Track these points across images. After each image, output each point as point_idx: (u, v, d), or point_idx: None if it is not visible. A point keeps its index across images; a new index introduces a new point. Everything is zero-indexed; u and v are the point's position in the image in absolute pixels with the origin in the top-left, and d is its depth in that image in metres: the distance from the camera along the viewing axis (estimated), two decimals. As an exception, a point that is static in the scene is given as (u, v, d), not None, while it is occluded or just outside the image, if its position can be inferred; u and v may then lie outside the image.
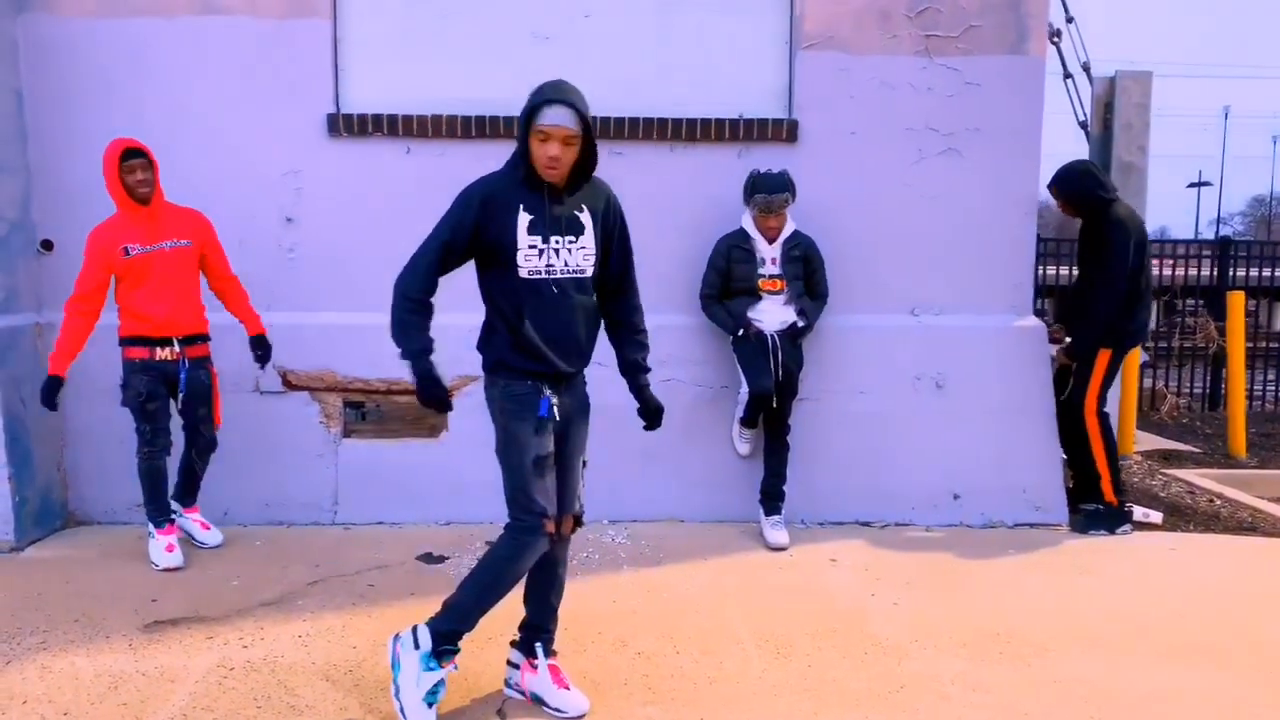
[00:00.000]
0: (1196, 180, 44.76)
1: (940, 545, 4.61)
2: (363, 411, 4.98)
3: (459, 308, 4.82)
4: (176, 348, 4.13)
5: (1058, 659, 3.39)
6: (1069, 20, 11.02)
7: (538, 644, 3.01)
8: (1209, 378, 9.19)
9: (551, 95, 2.70)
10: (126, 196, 4.01)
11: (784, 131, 4.85)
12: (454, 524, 4.80)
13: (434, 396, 2.84)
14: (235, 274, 4.39)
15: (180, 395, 4.18)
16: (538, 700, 2.98)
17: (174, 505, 4.35)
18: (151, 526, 4.22)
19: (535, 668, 3.00)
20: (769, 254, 4.61)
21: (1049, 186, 4.97)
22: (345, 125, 4.78)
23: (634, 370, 3.01)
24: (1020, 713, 3.00)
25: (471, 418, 4.89)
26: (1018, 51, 4.90)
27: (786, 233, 4.62)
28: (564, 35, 4.83)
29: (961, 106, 4.87)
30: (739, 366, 4.66)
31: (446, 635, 2.86)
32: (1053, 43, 11.40)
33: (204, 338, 4.24)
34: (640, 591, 3.95)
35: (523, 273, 2.78)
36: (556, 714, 2.94)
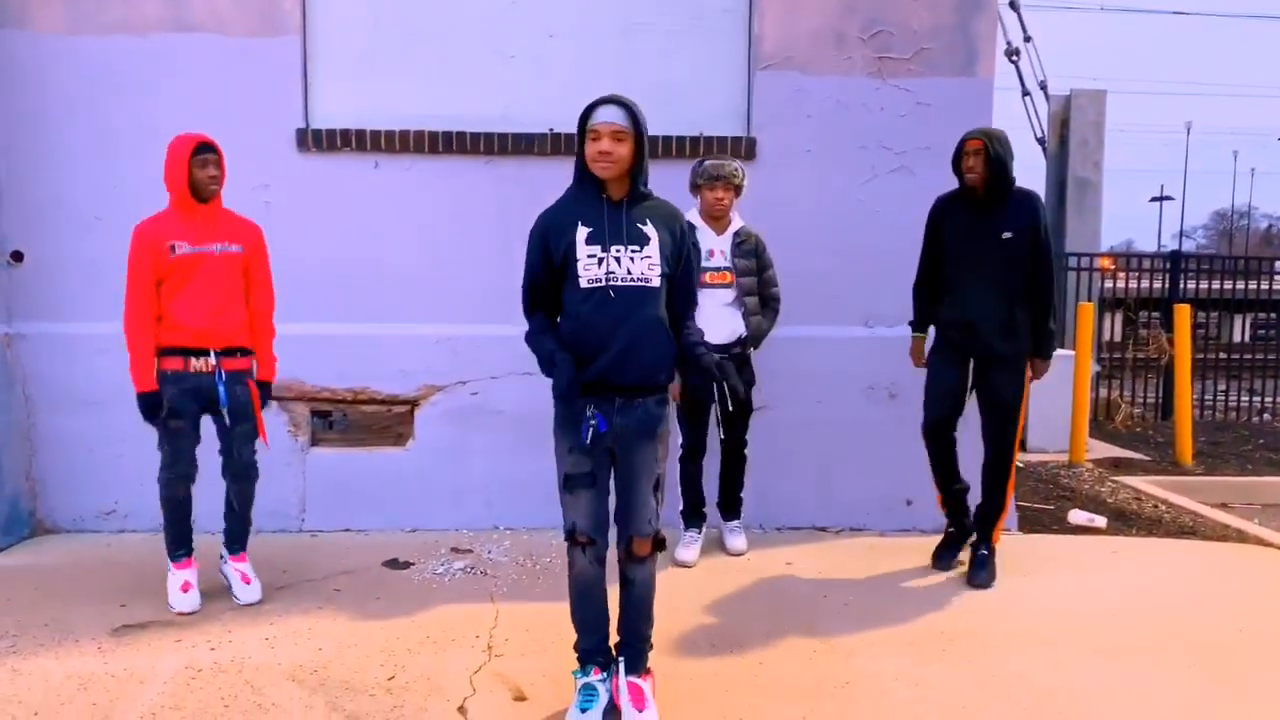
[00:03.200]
0: (1159, 195, 45.59)
1: (893, 549, 4.76)
2: (330, 421, 5.06)
3: (425, 319, 4.98)
4: (213, 359, 3.79)
5: (999, 656, 3.54)
6: (1026, 39, 11.29)
7: (620, 658, 3.07)
8: (1161, 388, 9.46)
9: (601, 99, 2.87)
10: (188, 192, 3.72)
11: (743, 149, 5.01)
12: (419, 531, 4.90)
13: (559, 382, 2.86)
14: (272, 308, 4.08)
15: (223, 411, 3.84)
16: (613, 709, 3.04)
17: (222, 551, 4.06)
18: (169, 560, 3.92)
19: (616, 680, 3.06)
20: (716, 245, 4.47)
21: (977, 136, 4.17)
22: (314, 140, 4.89)
23: (687, 347, 3.03)
24: (958, 706, 3.15)
25: (436, 427, 5.02)
26: (967, 73, 5.09)
27: (735, 225, 4.53)
28: (528, 54, 4.97)
29: (913, 126, 5.05)
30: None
31: (576, 646, 3.09)
32: (1011, 61, 11.67)
33: (244, 351, 3.91)
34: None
35: (583, 282, 2.85)
36: None
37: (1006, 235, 4.16)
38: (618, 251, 2.85)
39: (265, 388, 4.06)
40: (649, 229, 2.90)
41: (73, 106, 4.79)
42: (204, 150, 3.74)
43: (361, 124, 4.90)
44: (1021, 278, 4.20)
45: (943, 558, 4.48)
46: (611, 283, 2.84)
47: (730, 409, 4.30)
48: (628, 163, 2.86)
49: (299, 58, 4.87)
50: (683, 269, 3.02)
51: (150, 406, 3.74)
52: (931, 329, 4.49)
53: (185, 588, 3.86)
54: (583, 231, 2.86)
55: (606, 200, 2.89)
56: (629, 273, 2.86)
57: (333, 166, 4.92)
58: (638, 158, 2.88)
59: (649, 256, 2.88)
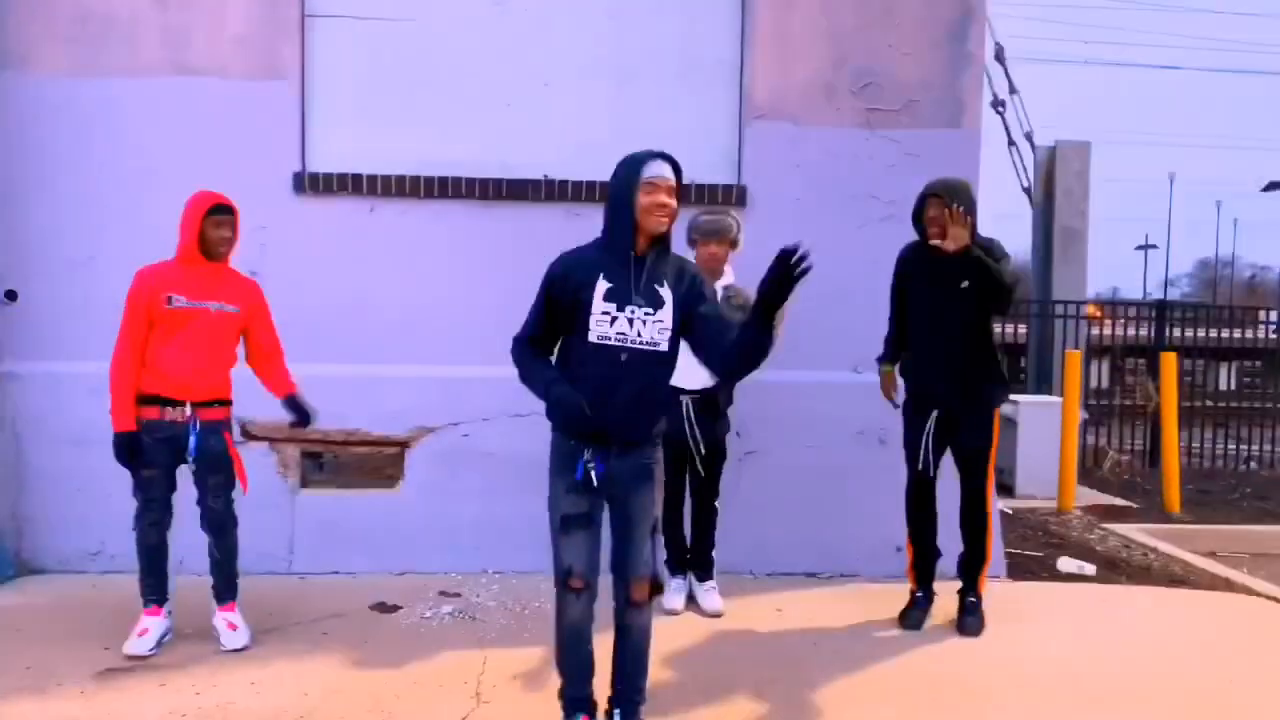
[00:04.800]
0: (1144, 243, 46.14)
1: (883, 596, 4.72)
2: (320, 462, 5.05)
3: (417, 360, 4.99)
4: (188, 410, 3.76)
5: (991, 705, 3.53)
6: (1012, 91, 11.50)
7: (615, 709, 3.04)
8: (1148, 436, 9.50)
9: (654, 151, 2.88)
10: (197, 248, 3.73)
11: (734, 196, 5.08)
12: (408, 574, 4.87)
13: (570, 410, 2.80)
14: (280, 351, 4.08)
15: (190, 461, 3.81)
16: None
17: (211, 602, 4.00)
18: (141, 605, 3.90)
19: None
20: None
21: (938, 193, 4.21)
22: (311, 183, 4.94)
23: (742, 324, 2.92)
24: (949, 755, 3.13)
25: (427, 468, 5.01)
26: (954, 125, 5.19)
27: (727, 279, 4.44)
28: (525, 102, 5.04)
29: (901, 176, 5.10)
30: None
31: (561, 694, 3.07)
32: (996, 111, 11.86)
33: (222, 403, 3.88)
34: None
35: (592, 337, 2.83)
36: None
37: (965, 284, 4.14)
38: (632, 312, 2.84)
39: (295, 402, 4.01)
40: (664, 290, 2.88)
41: (69, 147, 4.83)
42: (221, 211, 3.76)
43: (359, 168, 4.96)
44: (978, 327, 4.24)
45: (910, 617, 4.38)
46: (621, 343, 2.83)
47: (703, 451, 4.36)
48: (675, 217, 2.89)
49: (297, 102, 4.94)
50: (707, 304, 2.96)
51: (124, 447, 3.72)
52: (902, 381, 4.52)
53: (142, 633, 3.80)
54: (603, 286, 2.84)
55: (633, 256, 2.87)
56: (639, 335, 2.85)
57: (329, 209, 4.96)
58: None
59: (660, 320, 2.87)
